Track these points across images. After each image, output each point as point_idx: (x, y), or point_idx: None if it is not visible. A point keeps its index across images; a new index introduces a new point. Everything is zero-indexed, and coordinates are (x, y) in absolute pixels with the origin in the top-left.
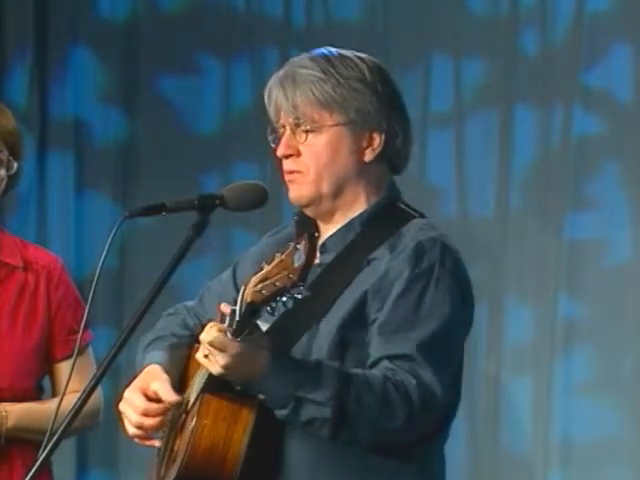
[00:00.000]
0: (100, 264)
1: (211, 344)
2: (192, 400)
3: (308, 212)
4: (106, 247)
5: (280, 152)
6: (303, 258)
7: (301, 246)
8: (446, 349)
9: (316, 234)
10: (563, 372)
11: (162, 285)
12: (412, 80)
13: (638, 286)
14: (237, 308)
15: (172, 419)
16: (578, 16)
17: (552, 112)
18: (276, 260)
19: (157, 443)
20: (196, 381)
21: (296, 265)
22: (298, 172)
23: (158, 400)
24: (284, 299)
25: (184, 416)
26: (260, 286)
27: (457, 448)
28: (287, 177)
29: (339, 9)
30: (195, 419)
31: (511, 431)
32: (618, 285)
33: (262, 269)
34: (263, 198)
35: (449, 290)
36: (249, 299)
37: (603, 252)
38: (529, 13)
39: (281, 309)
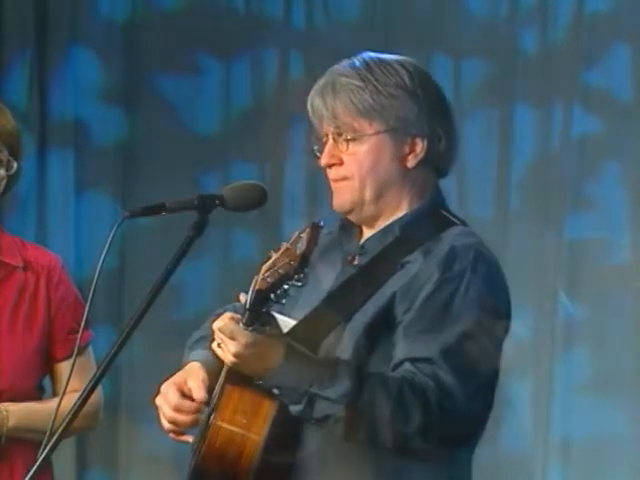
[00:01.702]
0: (100, 264)
1: (221, 331)
2: (216, 393)
3: (351, 218)
4: (106, 247)
5: (323, 162)
6: (304, 245)
7: (305, 234)
8: (471, 356)
9: (321, 223)
10: (563, 372)
11: (162, 285)
12: None
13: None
14: (248, 297)
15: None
16: (578, 16)
17: (552, 112)
18: (282, 248)
19: (191, 439)
20: (221, 374)
21: (297, 252)
22: (344, 179)
23: (193, 397)
24: (286, 287)
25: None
26: (267, 274)
27: None
28: (333, 185)
29: (339, 9)
30: (215, 411)
31: (511, 431)
32: (618, 285)
33: (270, 258)
34: (262, 198)
35: (479, 298)
36: (257, 287)
37: (603, 252)
38: (529, 13)
39: (285, 297)
